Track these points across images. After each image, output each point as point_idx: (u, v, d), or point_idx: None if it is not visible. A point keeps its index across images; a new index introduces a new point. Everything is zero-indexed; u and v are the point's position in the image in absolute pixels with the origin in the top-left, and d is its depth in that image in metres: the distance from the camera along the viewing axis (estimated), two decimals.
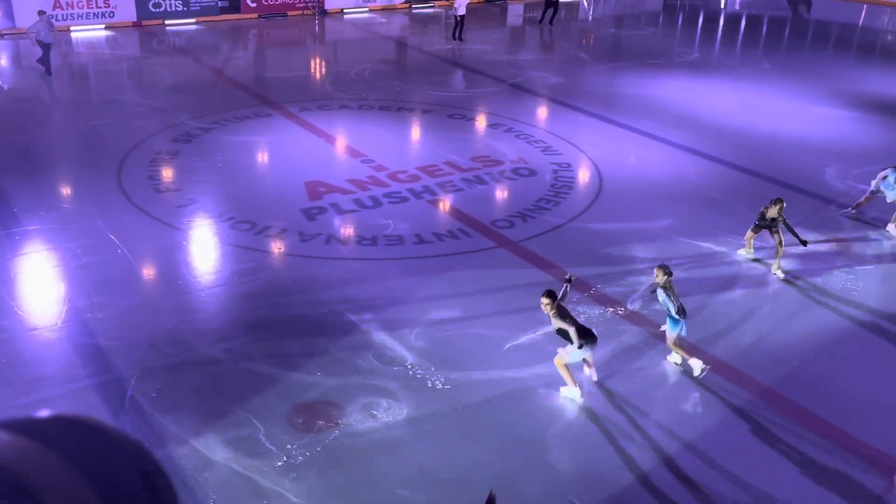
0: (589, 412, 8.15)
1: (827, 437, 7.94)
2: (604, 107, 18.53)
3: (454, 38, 24.08)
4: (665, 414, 8.23)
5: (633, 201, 13.34)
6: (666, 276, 8.67)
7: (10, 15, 24.06)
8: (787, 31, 29.55)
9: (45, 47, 18.98)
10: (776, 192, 13.60)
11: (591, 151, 15.54)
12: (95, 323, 9.53)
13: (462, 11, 23.46)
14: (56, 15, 24.54)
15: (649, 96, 19.31)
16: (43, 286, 10.59)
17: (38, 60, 19.48)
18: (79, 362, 8.85)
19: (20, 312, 9.84)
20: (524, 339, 9.33)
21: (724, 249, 11.67)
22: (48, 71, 19.35)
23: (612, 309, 10.04)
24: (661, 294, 8.69)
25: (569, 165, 14.83)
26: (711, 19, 30.96)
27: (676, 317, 8.62)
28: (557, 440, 7.77)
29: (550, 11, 24.95)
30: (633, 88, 19.98)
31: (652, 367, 8.99)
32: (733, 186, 14.11)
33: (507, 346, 9.19)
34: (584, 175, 14.51)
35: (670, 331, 8.74)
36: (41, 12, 19.24)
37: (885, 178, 12.18)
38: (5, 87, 19.82)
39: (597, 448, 7.68)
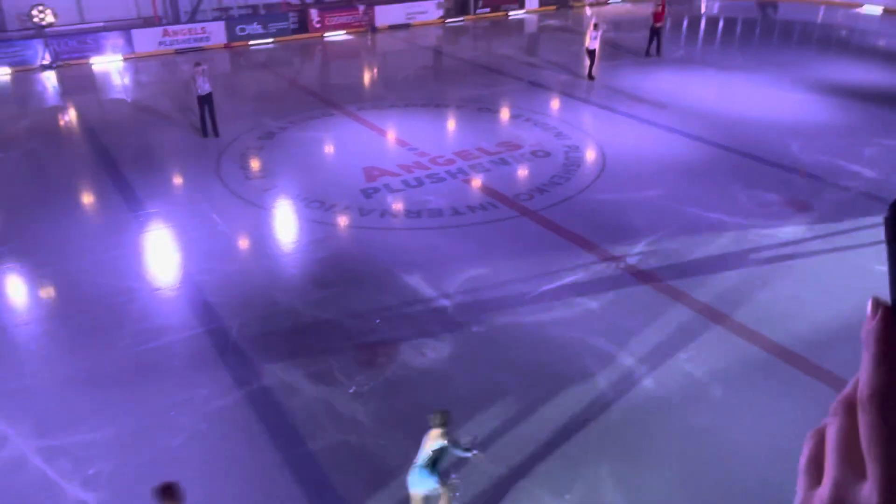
0: (596, 349, 8.11)
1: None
2: (606, 98, 18.16)
3: (589, 76, 19.56)
4: (661, 358, 8.16)
5: (631, 175, 13.10)
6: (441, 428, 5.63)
7: (129, 42, 24.27)
8: (758, 29, 28.56)
9: (207, 99, 15.02)
10: (749, 166, 13.38)
11: (596, 135, 15.29)
12: (204, 284, 9.70)
13: (594, 46, 19.28)
14: (165, 41, 24.74)
15: (643, 88, 18.85)
16: (163, 256, 10.81)
17: (202, 120, 15.22)
18: (192, 315, 9.03)
19: (146, 276, 10.08)
20: (543, 289, 9.29)
21: (702, 212, 11.46)
22: (215, 131, 15.14)
23: (615, 264, 9.94)
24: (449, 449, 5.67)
25: (577, 148, 14.60)
26: (694, 22, 30.08)
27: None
28: (573, 374, 7.75)
29: (655, 41, 21.84)
30: (630, 81, 19.52)
31: (650, 314, 8.89)
32: (712, 160, 13.81)
33: (529, 295, 9.17)
34: (590, 155, 14.27)
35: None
36: (197, 64, 15.06)
37: None
38: (127, 98, 20.03)
39: (603, 377, 7.66)
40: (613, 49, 24.92)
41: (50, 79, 22.02)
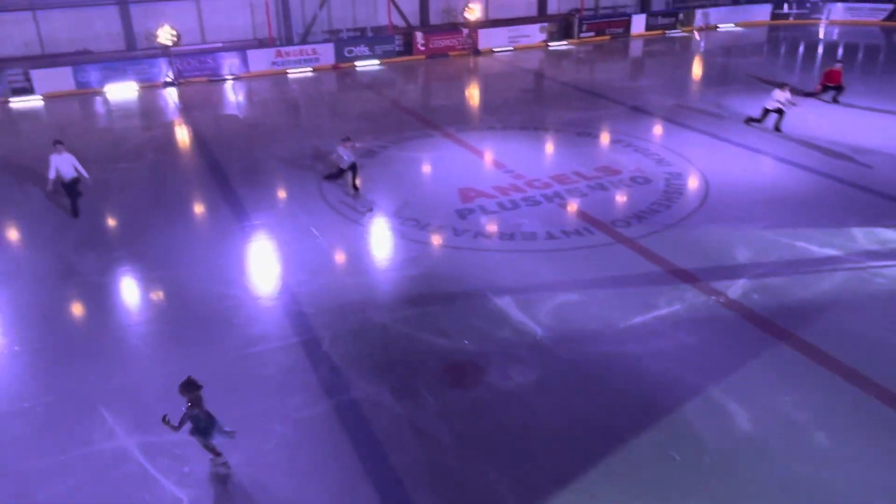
0: (690, 385, 7.81)
1: None
2: (712, 124, 17.61)
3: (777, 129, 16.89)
4: (761, 399, 7.76)
5: (736, 205, 12.60)
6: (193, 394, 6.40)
7: (245, 62, 25.67)
8: (882, 56, 26.98)
9: (353, 166, 13.63)
10: (863, 199, 12.63)
11: (699, 163, 14.83)
12: (301, 295, 10.04)
13: (774, 106, 16.66)
14: (277, 61, 26.03)
15: (753, 115, 18.19)
16: (264, 266, 11.28)
17: (352, 184, 13.79)
18: (288, 324, 9.34)
19: (249, 285, 10.54)
20: (636, 320, 9.05)
21: (812, 247, 10.86)
22: (355, 187, 13.73)
23: (714, 297, 9.57)
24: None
25: (679, 175, 14.21)
26: (811, 48, 28.74)
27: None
28: (664, 409, 7.48)
29: (834, 92, 19.29)
30: (739, 108, 18.87)
31: (750, 352, 8.49)
32: (827, 193, 13.11)
33: (622, 325, 8.96)
34: (693, 183, 13.86)
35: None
36: (346, 139, 13.69)
37: None
38: (239, 114, 21.17)
39: (696, 415, 7.35)
40: (722, 74, 24.21)
41: (171, 95, 23.59)
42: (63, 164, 12.00)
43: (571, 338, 8.70)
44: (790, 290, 9.68)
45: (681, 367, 8.04)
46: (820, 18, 33.21)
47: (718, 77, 24.25)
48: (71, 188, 12.22)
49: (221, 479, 6.70)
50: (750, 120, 17.28)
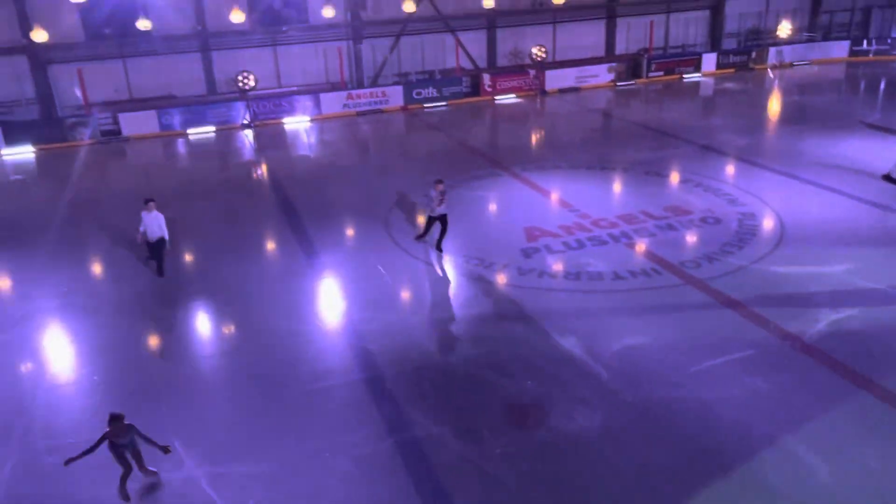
0: (765, 434, 7.49)
1: None
2: (787, 164, 17.13)
3: None
4: (841, 451, 7.37)
5: (813, 247, 12.16)
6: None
7: (317, 105, 26.60)
8: None
9: (443, 218, 12.75)
10: None
11: (774, 203, 14.40)
12: (365, 332, 10.17)
13: None
14: (349, 104, 26.87)
15: (831, 154, 17.62)
16: (331, 302, 11.50)
17: (440, 236, 12.84)
18: (353, 360, 9.46)
19: (316, 320, 10.77)
20: (706, 364, 8.78)
21: (888, 290, 10.36)
22: (439, 248, 12.77)
23: (789, 342, 9.20)
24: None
25: (753, 215, 13.84)
26: (893, 85, 27.70)
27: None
28: (737, 459, 7.18)
29: None
30: (816, 147, 18.31)
31: (829, 400, 8.10)
32: None
33: (692, 370, 8.70)
34: (767, 223, 13.45)
35: None
36: (438, 182, 12.65)
37: None
38: (311, 155, 21.87)
39: (771, 466, 7.03)
40: (798, 113, 23.61)
41: (248, 136, 24.61)
42: (151, 224, 11.96)
43: (638, 381, 8.50)
44: (872, 335, 9.22)
45: (754, 415, 7.73)
46: None
47: (794, 115, 23.64)
48: (156, 248, 12.19)
49: None
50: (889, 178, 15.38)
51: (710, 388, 8.27)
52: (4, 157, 23.24)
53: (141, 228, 11.97)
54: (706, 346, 9.15)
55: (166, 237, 12.12)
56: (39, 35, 22.91)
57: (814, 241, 12.42)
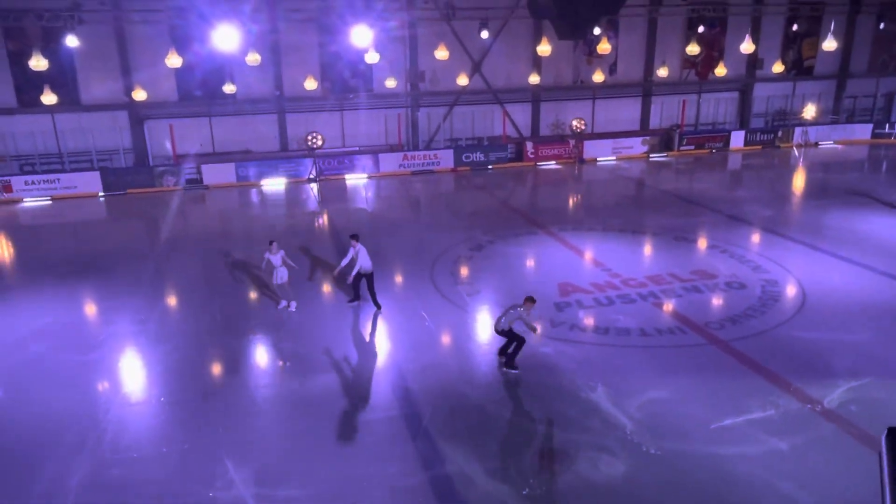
0: (783, 494, 7.14)
1: None
2: (810, 236, 16.71)
3: None
4: None
5: (834, 316, 11.74)
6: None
7: (376, 163, 27.21)
8: None
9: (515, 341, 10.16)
10: None
11: (797, 272, 14.01)
12: (407, 371, 10.15)
13: None
14: (404, 164, 27.42)
15: (853, 229, 17.14)
16: (377, 342, 11.53)
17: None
18: (394, 397, 9.42)
19: (362, 358, 10.79)
20: (727, 422, 8.46)
21: None
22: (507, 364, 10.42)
23: (809, 405, 8.82)
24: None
25: (776, 282, 13.47)
26: None
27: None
28: None
29: None
30: (839, 222, 17.86)
31: (848, 464, 7.71)
32: None
33: (713, 426, 8.40)
34: (790, 291, 13.07)
35: None
36: (528, 300, 9.82)
37: None
38: (368, 208, 22.27)
39: None
40: (822, 189, 23.14)
41: (313, 189, 25.24)
42: (276, 260, 12.30)
43: (661, 434, 8.23)
44: (892, 405, 8.78)
45: (773, 475, 7.39)
46: None
47: (817, 191, 23.17)
48: (357, 283, 12.40)
49: None
50: None
51: (730, 445, 7.96)
52: (101, 199, 24.32)
53: (265, 265, 12.41)
54: (727, 404, 8.84)
55: (292, 265, 12.60)
56: (139, 94, 24.15)
57: (835, 310, 12.00)
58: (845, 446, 7.95)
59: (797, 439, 8.04)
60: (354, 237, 12.51)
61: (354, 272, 12.26)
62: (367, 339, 11.65)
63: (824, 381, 9.41)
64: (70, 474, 7.72)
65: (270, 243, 12.53)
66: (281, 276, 12.45)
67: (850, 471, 7.45)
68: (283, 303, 12.75)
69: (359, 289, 12.69)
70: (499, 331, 9.97)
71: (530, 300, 9.78)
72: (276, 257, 12.38)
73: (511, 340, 9.97)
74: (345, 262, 12.34)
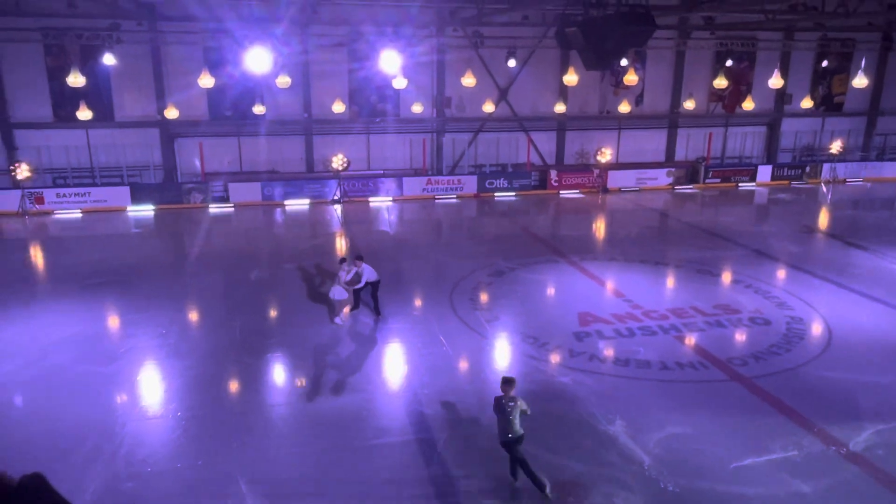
0: None
1: None
2: (837, 273, 16.43)
3: None
4: None
5: (861, 357, 11.46)
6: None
7: (400, 187, 27.42)
8: None
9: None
10: None
11: (823, 310, 13.75)
12: (423, 396, 10.08)
13: None
14: (427, 188, 27.61)
15: (882, 268, 16.83)
16: (395, 365, 11.52)
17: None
18: (409, 422, 9.35)
19: (379, 381, 10.77)
20: (748, 461, 8.27)
21: None
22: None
23: (834, 448, 8.59)
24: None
25: (801, 320, 13.23)
26: None
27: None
28: None
29: None
30: (866, 260, 17.55)
31: None
32: None
33: (733, 465, 8.21)
34: (815, 329, 12.83)
35: None
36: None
37: None
38: (390, 231, 22.39)
39: None
40: (852, 227, 22.78)
41: (337, 210, 25.47)
42: (370, 274, 13.09)
43: (679, 471, 8.06)
44: None
45: None
46: None
47: (845, 228, 22.81)
48: (358, 293, 13.25)
49: None
50: None
51: (751, 485, 7.76)
52: (129, 213, 24.80)
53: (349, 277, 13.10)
54: (749, 443, 8.65)
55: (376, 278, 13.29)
56: (171, 113, 24.72)
57: (861, 350, 11.73)
58: (870, 491, 7.72)
59: (820, 483, 7.82)
60: (359, 258, 13.37)
61: (361, 285, 13.05)
62: (385, 361, 11.63)
63: (850, 423, 9.17)
64: (85, 486, 7.76)
65: (342, 262, 13.55)
66: (335, 294, 13.03)
67: None
68: (338, 319, 13.16)
69: (359, 298, 13.35)
70: (512, 440, 7.71)
71: (508, 382, 7.92)
72: (344, 273, 13.09)
73: (514, 455, 7.77)
74: (348, 276, 13.10)
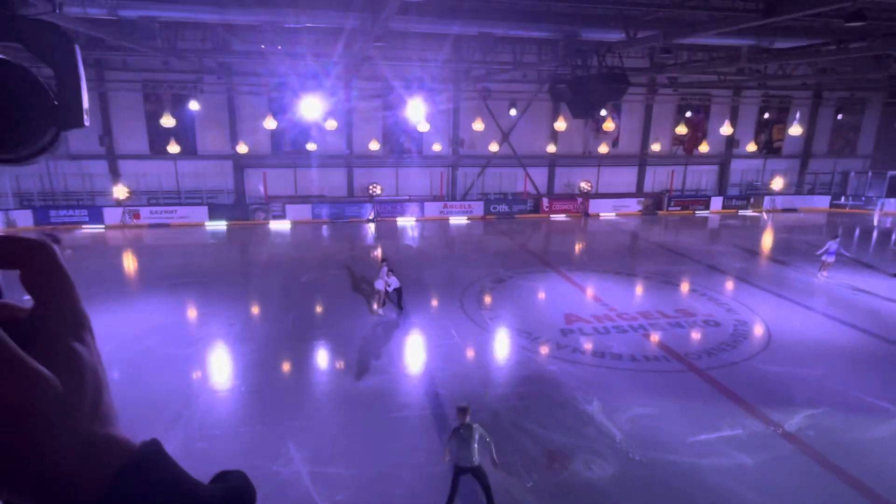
0: (748, 502, 6.79)
1: None
2: (776, 285, 16.20)
3: None
4: None
5: (794, 354, 11.27)
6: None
7: (422, 209, 27.43)
8: None
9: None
10: None
11: (764, 315, 13.56)
12: (437, 378, 10.04)
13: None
14: (444, 210, 27.60)
15: (811, 282, 16.58)
16: (414, 352, 11.47)
17: None
18: (425, 399, 9.31)
19: (401, 365, 10.72)
20: (702, 437, 8.14)
21: (866, 397, 9.36)
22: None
23: (772, 428, 8.44)
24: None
25: (745, 322, 13.04)
26: (866, 232, 26.06)
27: None
28: None
29: None
30: (799, 275, 17.28)
31: (803, 480, 7.32)
32: (881, 355, 11.40)
33: (689, 440, 8.09)
34: (757, 330, 12.63)
35: None
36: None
37: None
38: (413, 245, 22.41)
39: None
40: (787, 248, 22.47)
41: (371, 228, 25.54)
42: (392, 281, 13.35)
43: (645, 444, 7.96)
44: (843, 431, 8.34)
45: (739, 485, 7.05)
46: (873, 209, 30.34)
47: (783, 249, 22.52)
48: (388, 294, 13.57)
49: None
50: None
51: (704, 457, 7.64)
52: (207, 227, 25.04)
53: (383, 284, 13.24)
54: (702, 423, 8.52)
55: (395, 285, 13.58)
56: (242, 148, 25.01)
57: (795, 348, 11.53)
58: (802, 465, 7.56)
59: (761, 456, 7.68)
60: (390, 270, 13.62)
61: (396, 285, 13.42)
62: (407, 349, 11.61)
63: (785, 408, 9.00)
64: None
65: (382, 262, 13.76)
66: (379, 286, 13.27)
67: (806, 486, 7.06)
68: (378, 308, 13.34)
69: (389, 298, 13.75)
70: (469, 469, 6.26)
71: (462, 411, 6.42)
72: (385, 270, 13.31)
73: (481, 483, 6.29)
74: (388, 277, 13.41)
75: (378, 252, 20.00)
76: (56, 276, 0.50)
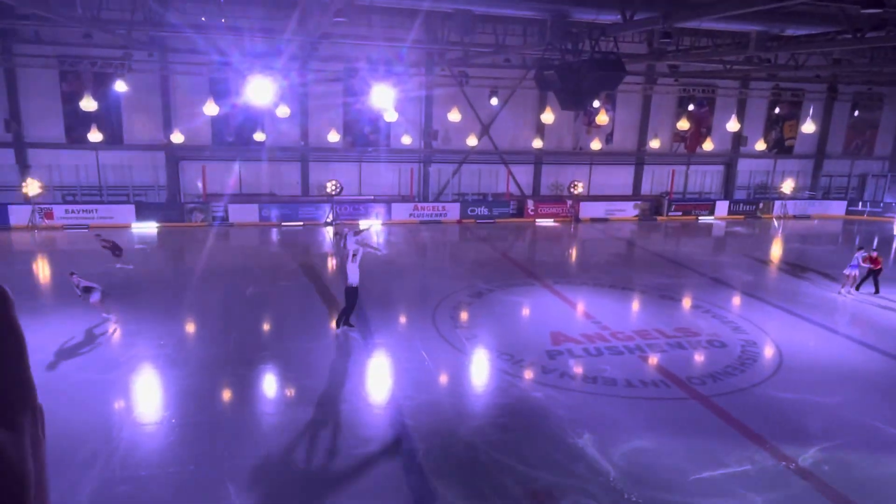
0: None
1: None
2: (788, 301, 16.64)
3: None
4: None
5: (809, 379, 11.55)
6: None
7: (389, 212, 27.37)
8: None
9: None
10: None
11: (775, 335, 13.89)
12: (405, 408, 9.96)
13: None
14: (415, 214, 27.62)
15: (827, 297, 17.08)
16: (379, 378, 11.39)
17: None
18: (391, 432, 9.22)
19: (364, 393, 10.64)
20: (706, 474, 8.25)
21: (888, 428, 9.65)
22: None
23: (784, 463, 8.62)
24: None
25: (755, 343, 13.34)
26: (885, 241, 27.03)
27: None
28: None
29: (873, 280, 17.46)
30: (814, 290, 17.80)
31: None
32: (894, 376, 11.83)
33: (692, 477, 8.19)
34: (767, 352, 12.93)
35: None
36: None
37: None
38: (378, 252, 22.35)
39: None
40: (800, 259, 23.12)
41: (328, 232, 25.37)
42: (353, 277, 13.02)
43: (642, 482, 8.02)
44: (862, 466, 8.57)
45: None
46: (893, 217, 31.49)
47: (795, 260, 23.18)
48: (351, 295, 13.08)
49: None
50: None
51: (708, 497, 7.74)
52: (133, 230, 24.50)
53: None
54: (706, 457, 8.65)
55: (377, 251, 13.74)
56: (177, 137, 24.61)
57: (809, 373, 11.84)
58: (817, 503, 7.73)
59: (772, 496, 7.82)
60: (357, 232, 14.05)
61: (369, 246, 13.57)
62: (370, 374, 11.51)
63: (798, 440, 9.21)
64: (81, 488, 7.53)
65: (357, 233, 14.13)
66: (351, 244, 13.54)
67: None
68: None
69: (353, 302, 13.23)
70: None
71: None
72: (351, 233, 13.69)
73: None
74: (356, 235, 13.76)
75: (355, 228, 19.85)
76: (3, 335, 0.43)
